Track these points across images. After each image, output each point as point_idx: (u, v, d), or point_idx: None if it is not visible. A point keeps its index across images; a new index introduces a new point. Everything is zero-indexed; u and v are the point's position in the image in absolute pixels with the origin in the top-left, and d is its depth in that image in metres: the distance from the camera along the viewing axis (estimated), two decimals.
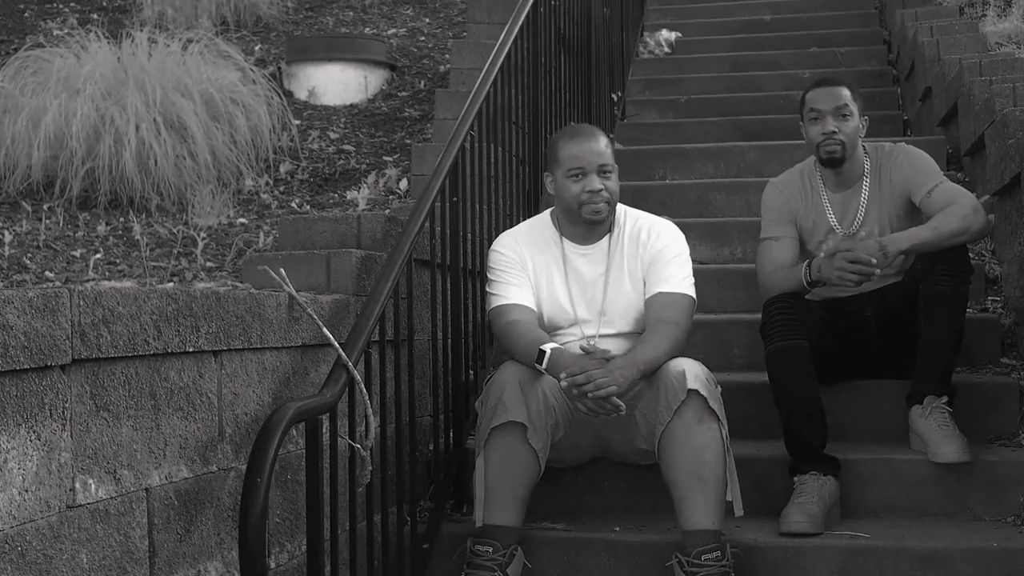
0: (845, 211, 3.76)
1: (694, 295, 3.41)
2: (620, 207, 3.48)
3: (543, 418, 3.23)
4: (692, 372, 3.17)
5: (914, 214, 3.74)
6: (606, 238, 3.46)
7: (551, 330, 3.42)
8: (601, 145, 3.38)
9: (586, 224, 3.41)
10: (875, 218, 3.72)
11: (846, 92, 3.71)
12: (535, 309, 3.40)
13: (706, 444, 3.14)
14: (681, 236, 3.47)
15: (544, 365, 3.20)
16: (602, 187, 3.35)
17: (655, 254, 3.41)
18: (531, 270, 3.43)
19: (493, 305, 3.41)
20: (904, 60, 6.74)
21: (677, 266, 3.40)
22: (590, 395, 3.09)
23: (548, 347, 3.21)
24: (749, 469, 3.43)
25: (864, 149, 3.78)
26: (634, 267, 3.42)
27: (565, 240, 3.47)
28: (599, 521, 3.47)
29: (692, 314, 3.38)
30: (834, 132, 3.67)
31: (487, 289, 3.47)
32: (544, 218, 3.55)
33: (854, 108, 3.71)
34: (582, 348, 3.23)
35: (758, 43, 7.62)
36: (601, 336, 3.41)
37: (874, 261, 3.42)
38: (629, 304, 3.42)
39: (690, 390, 3.14)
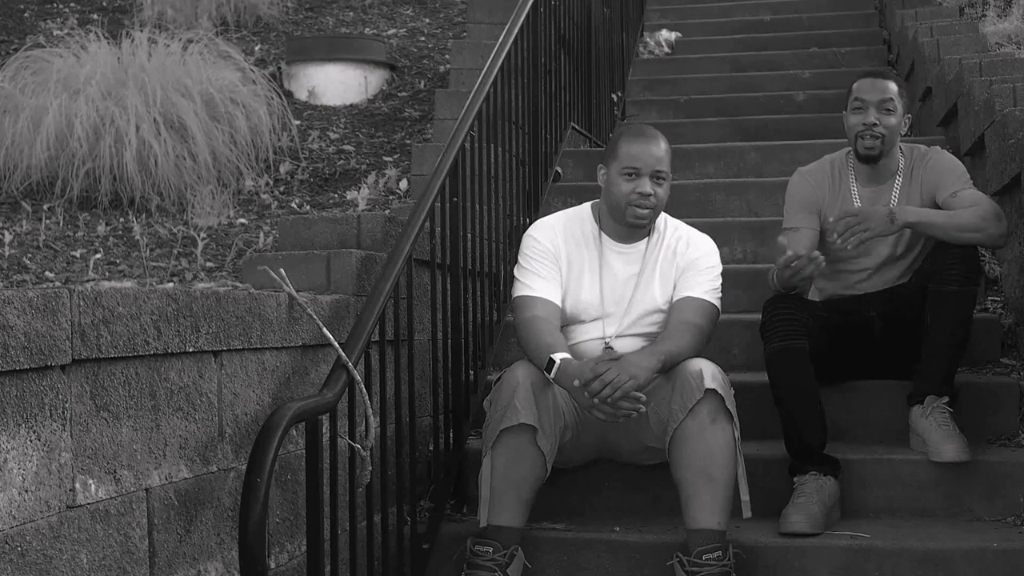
0: (873, 205, 3.75)
1: (719, 308, 3.42)
2: (662, 215, 3.48)
3: (552, 421, 3.23)
4: (710, 372, 3.18)
5: None
6: (645, 240, 3.46)
7: (573, 323, 3.42)
8: (661, 151, 3.36)
9: (627, 225, 3.41)
10: None
11: (893, 87, 3.71)
12: (559, 304, 3.39)
13: (718, 444, 3.14)
14: (716, 251, 3.49)
15: (552, 375, 3.19)
16: (652, 192, 3.33)
17: (690, 262, 3.42)
18: (564, 262, 3.42)
19: (518, 293, 3.40)
20: (904, 60, 6.74)
21: (708, 276, 3.41)
22: (609, 399, 3.07)
23: (558, 357, 3.19)
24: (749, 469, 3.42)
25: (900, 148, 3.78)
26: (667, 273, 3.42)
27: (604, 236, 3.46)
28: (599, 521, 3.47)
29: (714, 323, 3.39)
30: (875, 124, 3.66)
31: (515, 273, 3.46)
32: (584, 210, 3.53)
33: (899, 104, 3.69)
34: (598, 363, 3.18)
35: (758, 43, 7.63)
36: (619, 336, 3.41)
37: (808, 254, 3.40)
38: (655, 307, 3.42)
39: (708, 389, 3.14)
